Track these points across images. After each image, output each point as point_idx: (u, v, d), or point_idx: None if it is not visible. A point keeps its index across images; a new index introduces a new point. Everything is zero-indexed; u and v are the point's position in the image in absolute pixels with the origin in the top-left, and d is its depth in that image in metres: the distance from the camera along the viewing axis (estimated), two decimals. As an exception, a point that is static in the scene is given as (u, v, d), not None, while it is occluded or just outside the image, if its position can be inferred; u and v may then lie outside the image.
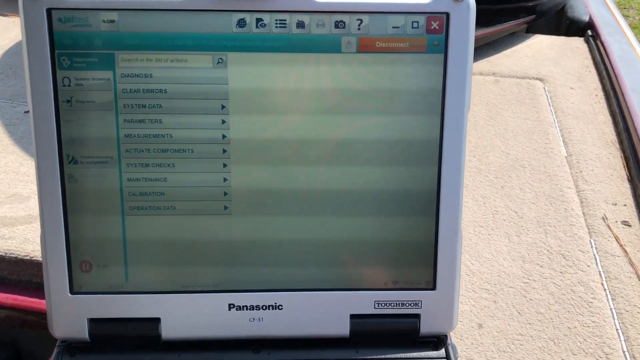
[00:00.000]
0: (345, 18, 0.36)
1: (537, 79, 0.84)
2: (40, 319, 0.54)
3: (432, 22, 0.36)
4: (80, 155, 0.37)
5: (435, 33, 0.36)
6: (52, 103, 0.36)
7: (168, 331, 0.39)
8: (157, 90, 0.37)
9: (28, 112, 0.74)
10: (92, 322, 0.38)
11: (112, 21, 0.36)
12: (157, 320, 0.39)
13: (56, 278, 0.38)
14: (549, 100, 0.79)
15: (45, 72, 0.36)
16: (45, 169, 0.37)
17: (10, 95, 0.77)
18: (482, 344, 0.46)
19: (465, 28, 0.36)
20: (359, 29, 0.36)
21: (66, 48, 0.36)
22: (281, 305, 0.39)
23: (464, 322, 0.48)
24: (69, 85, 0.36)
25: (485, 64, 0.88)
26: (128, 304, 0.38)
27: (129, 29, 0.36)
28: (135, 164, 0.38)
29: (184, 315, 0.39)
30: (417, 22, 0.36)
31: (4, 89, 0.78)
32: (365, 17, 0.36)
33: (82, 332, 0.38)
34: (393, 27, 0.36)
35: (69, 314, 0.38)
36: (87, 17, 0.36)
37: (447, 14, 0.36)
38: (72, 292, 0.38)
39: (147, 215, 0.38)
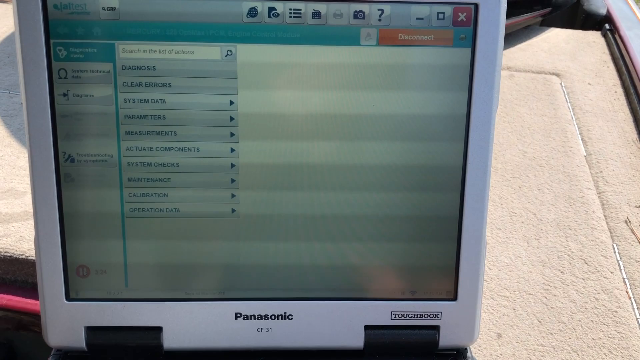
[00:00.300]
0: (365, 8, 0.33)
1: (553, 74, 0.81)
2: (36, 320, 0.52)
3: (459, 14, 0.33)
4: (77, 153, 0.35)
5: (462, 25, 0.33)
6: (47, 96, 0.34)
7: (170, 341, 0.36)
8: (160, 84, 0.34)
9: (26, 102, 0.71)
10: (90, 330, 0.36)
11: (113, 9, 0.33)
12: (158, 330, 0.36)
13: (51, 283, 0.35)
14: (566, 96, 0.76)
15: (39, 63, 0.33)
16: (40, 168, 0.34)
17: (8, 85, 0.75)
18: (501, 355, 0.43)
19: (495, 20, 0.33)
20: (379, 19, 0.33)
21: (62, 37, 0.33)
22: (291, 315, 0.37)
23: (482, 331, 0.45)
24: (65, 78, 0.34)
25: (500, 57, 0.85)
26: (128, 312, 0.36)
27: (131, 17, 0.33)
28: (136, 162, 0.35)
29: (188, 325, 0.36)
30: (443, 13, 0.33)
31: (0, 79, 0.76)
32: (386, 7, 0.33)
33: (79, 341, 0.36)
34: (417, 19, 0.33)
35: (65, 322, 0.36)
36: (86, 3, 0.33)
37: (476, 5, 0.33)
38: (68, 298, 0.36)
39: (148, 217, 0.36)
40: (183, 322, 0.36)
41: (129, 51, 0.34)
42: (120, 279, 0.36)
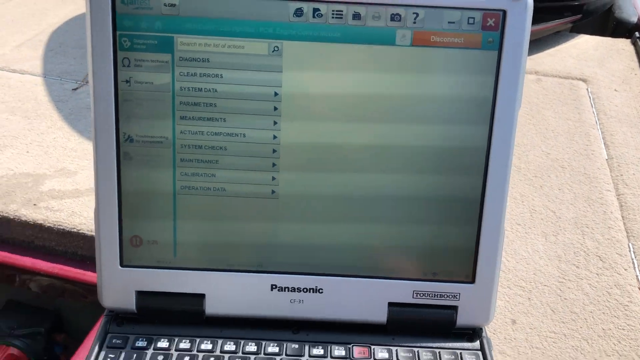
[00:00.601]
0: (401, 11, 0.36)
1: (580, 79, 0.83)
2: (82, 289, 0.56)
3: (488, 19, 0.36)
4: (136, 134, 0.39)
5: (490, 30, 0.36)
6: (112, 83, 0.37)
7: (211, 307, 0.40)
8: (213, 75, 0.38)
9: (76, 89, 0.76)
10: (140, 294, 0.40)
11: (173, 5, 0.37)
12: (201, 297, 0.40)
13: (108, 251, 0.40)
14: (592, 101, 0.78)
15: (106, 52, 0.37)
16: (103, 146, 0.38)
17: (59, 72, 0.79)
18: (515, 339, 0.46)
19: (521, 26, 0.36)
20: (414, 22, 0.37)
21: (128, 29, 0.37)
22: (322, 289, 0.40)
23: (498, 317, 0.48)
24: (128, 66, 0.38)
25: (528, 61, 0.87)
26: (175, 279, 0.40)
27: (189, 13, 0.37)
28: (189, 145, 0.39)
29: (228, 293, 0.40)
30: (473, 18, 0.36)
31: (53, 67, 0.81)
32: (421, 11, 0.36)
33: (129, 303, 0.40)
34: (449, 22, 0.36)
35: (118, 286, 0.40)
36: (149, 0, 0.37)
37: (504, 12, 0.36)
38: (122, 265, 0.40)
39: (197, 195, 0.39)
40: (224, 291, 0.40)
41: (187, 44, 0.37)
42: (170, 250, 0.40)
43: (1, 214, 0.56)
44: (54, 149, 0.65)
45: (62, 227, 0.55)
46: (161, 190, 0.39)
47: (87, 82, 0.77)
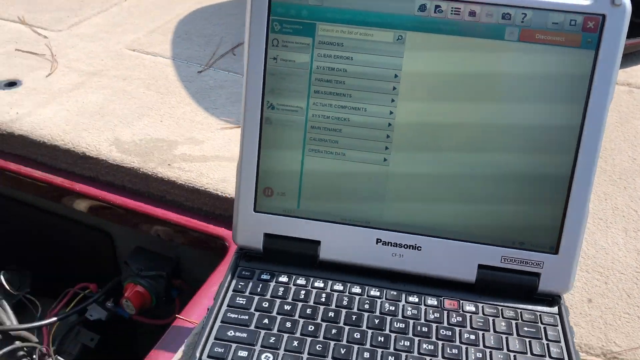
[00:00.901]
0: (511, 11, 0.42)
1: (673, 93, 0.85)
2: (203, 241, 0.65)
3: (589, 22, 0.42)
4: (277, 102, 0.46)
5: (589, 31, 0.42)
6: (262, 59, 0.46)
7: (325, 253, 0.47)
8: (345, 57, 0.45)
9: (201, 72, 0.86)
10: (267, 236, 0.48)
11: (318, -3, 0.45)
12: (317, 243, 0.47)
13: (245, 198, 0.48)
14: (684, 114, 0.80)
15: (261, 33, 0.45)
16: (250, 111, 0.46)
17: (186, 56, 0.90)
18: (589, 315, 0.51)
19: (618, 30, 0.41)
20: (522, 21, 0.42)
21: (279, 15, 0.45)
22: (420, 247, 0.47)
23: (575, 296, 0.53)
24: (276, 46, 0.46)
25: (621, 73, 0.90)
26: (296, 226, 0.48)
27: (331, 4, 0.45)
28: (318, 115, 0.46)
29: (339, 242, 0.47)
30: (575, 20, 0.42)
31: (180, 51, 0.91)
32: (529, 12, 0.42)
33: (257, 243, 0.48)
34: (553, 23, 0.42)
35: (250, 228, 0.48)
36: (300, -8, 0.45)
37: (604, 16, 0.41)
38: (255, 210, 0.48)
39: (321, 157, 0.47)
40: (336, 240, 0.47)
41: (326, 30, 0.45)
42: (294, 201, 0.48)
43: (141, 170, 0.66)
44: (183, 120, 0.75)
45: (191, 185, 0.64)
46: (293, 151, 0.47)
47: (210, 66, 0.87)
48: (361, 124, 0.46)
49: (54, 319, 0.68)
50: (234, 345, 0.42)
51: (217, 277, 0.58)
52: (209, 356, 0.41)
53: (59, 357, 0.67)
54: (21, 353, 0.66)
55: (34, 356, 0.67)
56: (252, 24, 0.45)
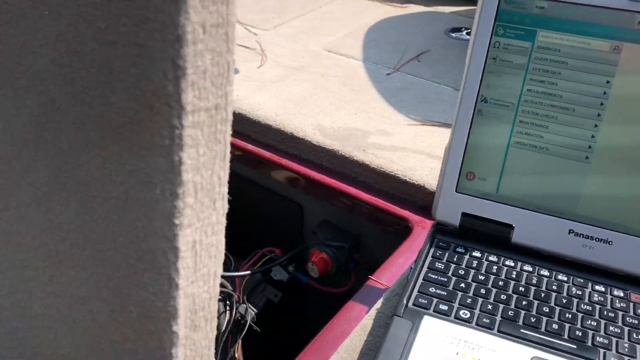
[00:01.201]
0: None
1: None
2: (387, 220, 0.72)
3: None
4: (490, 97, 0.53)
5: None
6: (484, 58, 0.52)
7: (517, 237, 0.53)
8: (560, 62, 0.50)
9: (389, 74, 0.94)
10: (464, 215, 0.54)
11: (542, 7, 0.50)
12: (510, 227, 0.53)
13: (449, 179, 0.54)
14: None
15: (486, 36, 0.52)
16: (465, 103, 0.53)
17: (375, 60, 0.99)
18: None
19: None
20: None
21: (504, 21, 0.51)
22: (611, 242, 0.50)
23: None
24: (497, 48, 0.52)
25: None
26: (493, 209, 0.53)
27: (553, 14, 0.50)
28: (527, 111, 0.52)
29: (532, 228, 0.52)
30: None
31: (370, 55, 1.00)
32: None
33: (455, 220, 0.54)
34: None
35: (450, 206, 0.54)
36: (525, 2, 0.51)
37: None
38: (456, 191, 0.54)
39: (525, 149, 0.52)
40: (529, 226, 0.52)
41: (545, 37, 0.50)
42: (494, 186, 0.53)
43: (339, 153, 0.75)
44: (374, 115, 0.83)
45: (382, 170, 0.72)
46: (499, 141, 0.53)
47: (397, 70, 0.95)
48: (568, 123, 0.51)
49: (248, 272, 0.79)
50: (435, 300, 0.48)
51: (406, 248, 0.64)
52: (414, 304, 0.48)
53: (249, 305, 0.78)
54: (219, 297, 0.78)
55: (228, 302, 0.78)
56: (479, 28, 0.52)
